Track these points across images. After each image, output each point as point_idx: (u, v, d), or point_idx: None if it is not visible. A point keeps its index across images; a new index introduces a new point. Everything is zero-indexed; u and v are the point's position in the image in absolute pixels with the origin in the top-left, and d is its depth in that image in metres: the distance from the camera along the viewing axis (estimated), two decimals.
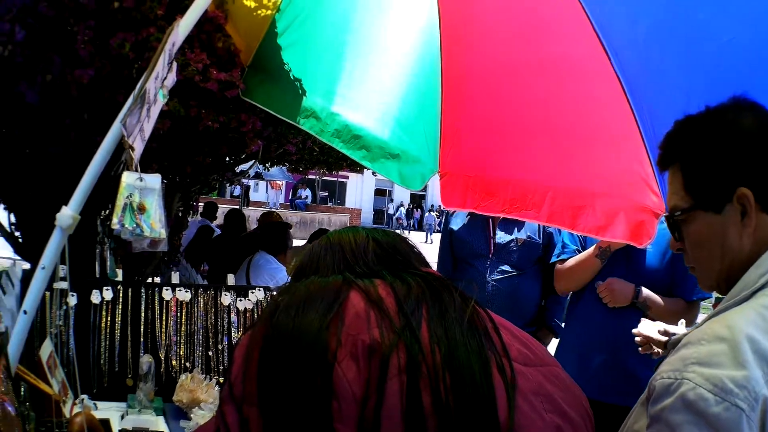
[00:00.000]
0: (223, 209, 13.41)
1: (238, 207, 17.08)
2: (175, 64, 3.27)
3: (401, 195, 58.57)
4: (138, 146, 2.90)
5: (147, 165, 5.14)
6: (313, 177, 49.95)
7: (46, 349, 3.40)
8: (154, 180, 2.89)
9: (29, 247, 5.11)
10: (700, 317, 3.50)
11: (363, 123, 4.80)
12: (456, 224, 6.23)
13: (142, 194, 2.83)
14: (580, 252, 5.02)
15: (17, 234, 6.03)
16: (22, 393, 3.09)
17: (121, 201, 2.80)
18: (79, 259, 4.52)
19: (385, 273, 1.72)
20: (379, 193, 60.78)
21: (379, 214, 62.46)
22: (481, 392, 1.47)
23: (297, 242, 10.06)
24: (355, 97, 4.90)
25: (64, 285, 3.87)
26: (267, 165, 11.03)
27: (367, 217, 57.52)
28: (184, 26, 3.20)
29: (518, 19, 4.22)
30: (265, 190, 49.65)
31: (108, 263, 4.08)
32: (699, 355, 1.64)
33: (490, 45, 4.45)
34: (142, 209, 2.80)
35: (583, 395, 1.80)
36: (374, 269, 1.76)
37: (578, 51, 3.91)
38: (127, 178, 2.84)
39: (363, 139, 4.77)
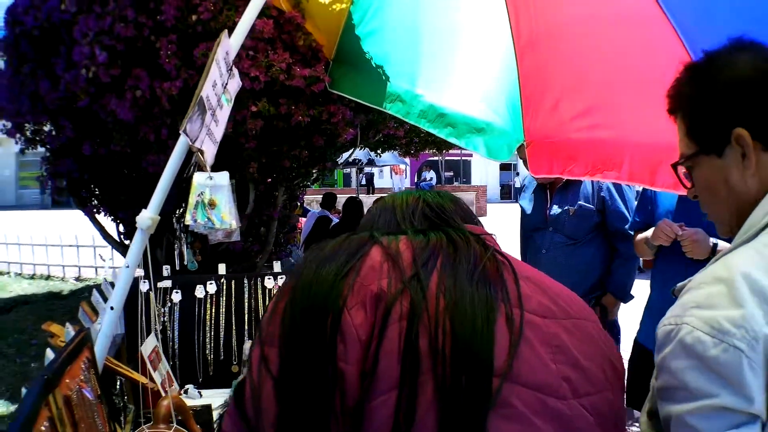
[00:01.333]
0: (343, 199, 13.54)
1: (355, 195, 17.13)
2: (235, 70, 3.43)
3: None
4: (209, 148, 3.09)
5: (246, 164, 5.38)
6: (437, 158, 49.95)
7: (149, 344, 3.64)
8: (223, 177, 3.12)
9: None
10: None
11: (446, 101, 4.87)
12: (523, 198, 6.40)
13: (213, 191, 3.06)
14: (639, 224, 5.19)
15: (127, 242, 6.34)
16: (118, 386, 3.34)
17: (193, 199, 3.06)
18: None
19: (410, 230, 1.81)
20: (505, 167, 59.78)
21: (505, 188, 61.91)
22: (479, 338, 1.51)
23: None
24: (435, 77, 4.99)
25: (167, 283, 4.09)
26: (378, 151, 11.19)
27: (493, 193, 56.93)
28: (238, 33, 3.36)
29: None
30: (390, 176, 49.62)
31: (186, 256, 4.26)
32: (698, 298, 1.60)
33: (555, 6, 4.49)
34: (212, 205, 3.04)
35: (615, 352, 1.79)
36: (417, 228, 1.89)
37: (633, 3, 3.97)
38: (198, 178, 3.09)
39: (448, 117, 4.85)
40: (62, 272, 17.43)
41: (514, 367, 1.52)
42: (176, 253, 5.01)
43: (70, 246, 17.22)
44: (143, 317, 3.78)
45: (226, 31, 3.24)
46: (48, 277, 17.34)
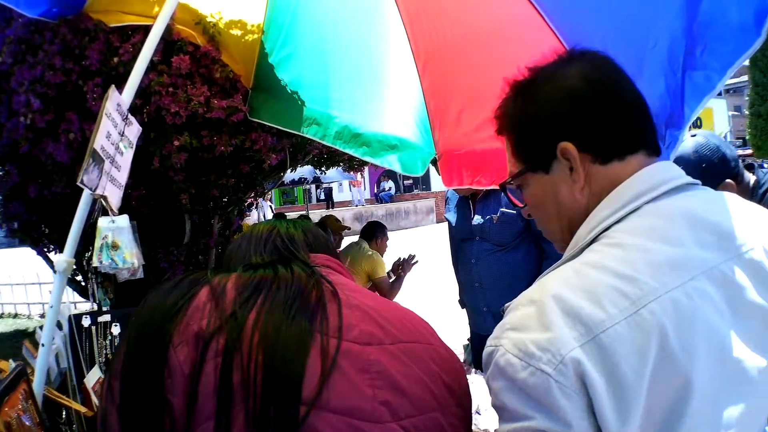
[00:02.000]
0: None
1: (305, 213, 17.37)
2: (132, 118, 3.61)
3: None
4: (113, 193, 3.31)
5: (175, 197, 5.53)
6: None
7: (93, 376, 3.85)
8: (124, 220, 3.34)
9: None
10: None
11: (359, 121, 5.05)
12: (448, 211, 6.52)
13: (115, 233, 3.29)
14: None
15: (78, 278, 6.49)
16: (65, 415, 3.65)
17: (98, 242, 3.28)
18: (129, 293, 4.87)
19: (241, 268, 1.97)
20: None
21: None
22: (288, 370, 1.64)
23: (390, 233, 10.34)
24: (347, 99, 5.17)
25: (107, 317, 4.27)
26: (322, 168, 11.38)
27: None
28: (133, 77, 3.55)
29: None
30: (349, 189, 49.83)
31: (97, 294, 4.46)
32: (513, 319, 1.59)
33: (446, 22, 4.65)
34: (115, 246, 3.26)
35: (454, 372, 1.89)
36: (265, 259, 2.10)
37: (519, 13, 4.08)
38: (102, 222, 3.30)
39: (362, 136, 5.02)
40: (28, 310, 17.51)
41: (324, 395, 1.64)
42: (89, 292, 5.17)
43: (33, 284, 17.23)
44: (86, 351, 3.98)
45: (113, 86, 3.42)
46: (15, 316, 17.42)
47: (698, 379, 1.51)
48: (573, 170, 1.82)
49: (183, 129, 4.98)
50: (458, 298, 6.66)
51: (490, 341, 1.61)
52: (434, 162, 5.31)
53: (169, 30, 4.65)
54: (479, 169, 4.98)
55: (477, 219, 6.00)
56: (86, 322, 4.23)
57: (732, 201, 1.87)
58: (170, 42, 4.88)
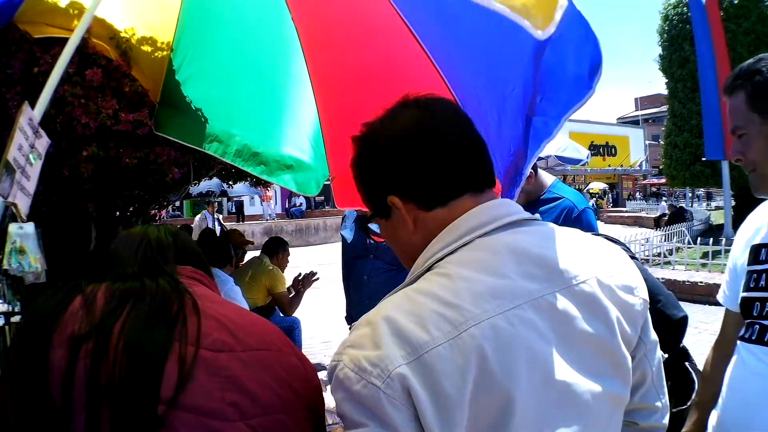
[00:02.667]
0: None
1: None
2: (42, 131, 3.81)
3: None
4: (22, 201, 3.55)
5: (83, 205, 5.69)
6: None
7: None
8: (30, 227, 3.57)
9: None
10: None
11: (258, 140, 5.22)
12: (344, 228, 6.71)
13: (23, 239, 3.51)
14: None
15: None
16: None
17: (8, 246, 3.50)
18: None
19: (110, 278, 2.15)
20: None
21: None
22: (148, 373, 1.84)
23: (291, 250, 10.50)
24: (248, 118, 5.36)
25: (18, 318, 4.47)
26: (230, 182, 11.52)
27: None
28: (46, 91, 3.75)
29: (354, 23, 4.66)
30: (260, 204, 49.66)
31: (7, 295, 4.66)
32: (352, 338, 1.74)
33: (344, 50, 4.89)
34: (22, 251, 3.46)
35: (301, 377, 2.09)
36: (135, 269, 2.24)
37: (409, 52, 4.28)
38: (11, 228, 3.53)
39: (261, 155, 5.18)
40: None
41: (181, 397, 1.84)
42: (0, 293, 5.33)
43: None
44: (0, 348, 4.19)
45: (26, 102, 3.62)
46: None
47: (520, 398, 1.67)
48: (402, 218, 2.00)
49: (92, 140, 5.13)
50: (345, 314, 6.82)
51: (333, 357, 1.75)
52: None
53: (84, 43, 4.77)
54: None
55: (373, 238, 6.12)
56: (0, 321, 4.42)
57: (566, 235, 2.04)
58: (85, 55, 4.99)
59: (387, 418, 1.60)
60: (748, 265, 3.09)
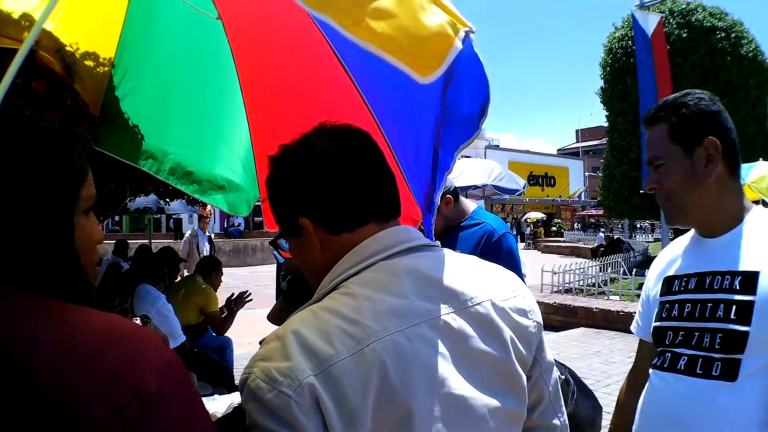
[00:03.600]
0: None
1: (146, 242, 17.29)
2: None
3: None
4: None
5: None
6: None
7: None
8: None
9: None
10: None
11: (192, 159, 5.33)
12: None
13: None
14: None
15: None
16: None
17: None
18: None
19: None
20: None
21: None
22: None
23: (229, 270, 10.54)
24: (182, 136, 5.46)
25: None
26: (167, 199, 11.54)
27: None
28: None
29: (287, 49, 4.73)
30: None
31: None
32: (262, 351, 1.80)
33: (275, 74, 5.02)
34: None
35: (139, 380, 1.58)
36: None
37: (336, 78, 4.36)
38: None
39: (194, 174, 5.30)
40: None
41: None
42: None
43: None
44: None
45: None
46: None
47: (419, 410, 1.78)
48: (310, 241, 2.09)
49: None
50: None
51: (244, 370, 1.80)
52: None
53: (32, 54, 4.81)
54: None
55: None
56: None
57: (463, 261, 2.19)
58: (32, 66, 4.94)
59: (298, 425, 1.68)
60: (661, 296, 3.25)
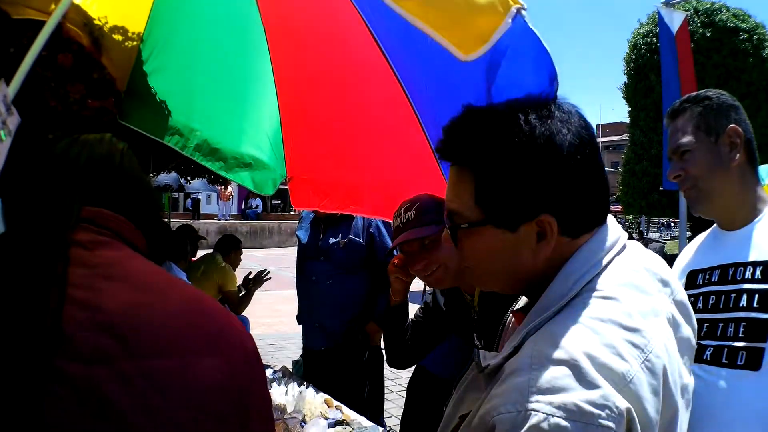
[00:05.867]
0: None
1: (165, 221, 17.24)
2: (14, 109, 3.86)
3: None
4: None
5: None
6: None
7: None
8: None
9: None
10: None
11: (219, 136, 5.32)
12: (300, 229, 6.85)
13: None
14: None
15: None
16: None
17: None
18: None
19: None
20: None
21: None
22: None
23: (245, 252, 10.50)
24: (210, 113, 5.43)
25: None
26: (188, 177, 11.52)
27: None
28: (20, 72, 3.81)
29: (322, 27, 4.71)
30: (216, 203, 49.27)
31: None
32: (537, 382, 1.52)
33: (312, 54, 4.99)
34: None
35: (219, 391, 1.56)
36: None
37: (370, 58, 4.33)
38: None
39: (220, 151, 5.29)
40: None
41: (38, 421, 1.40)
42: None
43: None
44: None
45: (2, 78, 3.66)
46: None
47: (679, 408, 1.72)
48: (544, 239, 1.79)
49: (57, 123, 5.16)
50: (296, 314, 6.95)
51: (503, 407, 1.54)
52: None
53: (59, 27, 4.68)
54: (325, 194, 5.33)
55: (326, 240, 6.32)
56: None
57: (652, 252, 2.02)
58: (58, 39, 4.89)
59: None
60: (686, 290, 3.22)
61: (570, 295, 1.74)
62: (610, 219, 1.93)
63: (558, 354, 1.56)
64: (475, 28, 3.03)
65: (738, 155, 3.07)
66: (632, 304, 1.71)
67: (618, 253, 1.85)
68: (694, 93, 3.26)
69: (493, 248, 1.85)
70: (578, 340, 1.59)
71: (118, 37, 5.21)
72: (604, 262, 1.80)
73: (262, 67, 5.35)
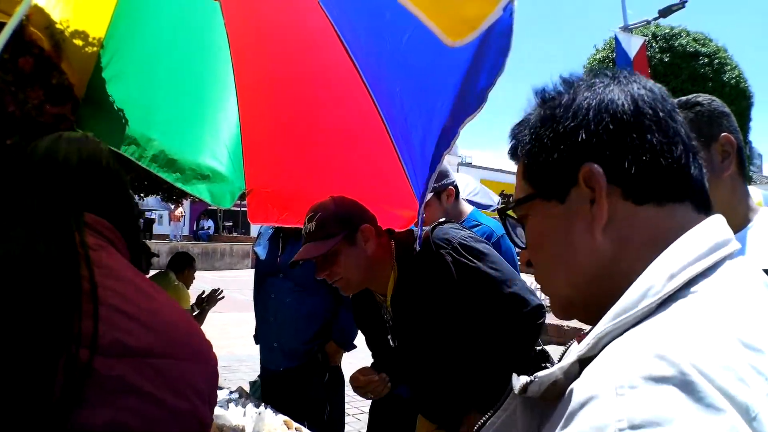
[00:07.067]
0: None
1: None
2: None
3: None
4: None
5: None
6: (215, 208, 50.01)
7: None
8: None
9: None
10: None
11: (177, 146, 5.19)
12: (258, 245, 6.65)
13: None
14: None
15: None
16: None
17: None
18: None
19: None
20: None
21: None
22: (32, 380, 1.51)
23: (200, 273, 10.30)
24: (168, 123, 5.31)
25: None
26: (141, 194, 11.36)
27: None
28: None
29: (287, 34, 4.61)
30: (168, 224, 49.21)
31: None
32: (631, 412, 1.05)
33: (272, 62, 4.87)
34: None
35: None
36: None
37: (337, 64, 4.24)
38: None
39: (177, 162, 5.15)
40: None
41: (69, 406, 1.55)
42: None
43: None
44: None
45: None
46: None
47: None
48: (594, 203, 1.42)
49: (16, 130, 5.04)
50: (254, 333, 6.76)
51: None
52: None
53: (22, 30, 4.65)
54: (285, 208, 5.17)
55: (284, 257, 6.12)
56: None
57: None
58: (20, 42, 4.80)
59: None
60: None
61: (666, 291, 1.25)
62: (720, 218, 1.45)
63: (657, 368, 1.08)
64: (466, 13, 2.98)
65: (731, 164, 3.01)
66: (753, 319, 1.23)
67: (729, 257, 1.37)
68: (684, 98, 3.14)
69: (546, 228, 1.53)
70: (685, 350, 1.11)
71: (78, 42, 5.11)
72: (714, 259, 1.32)
73: (224, 75, 5.26)
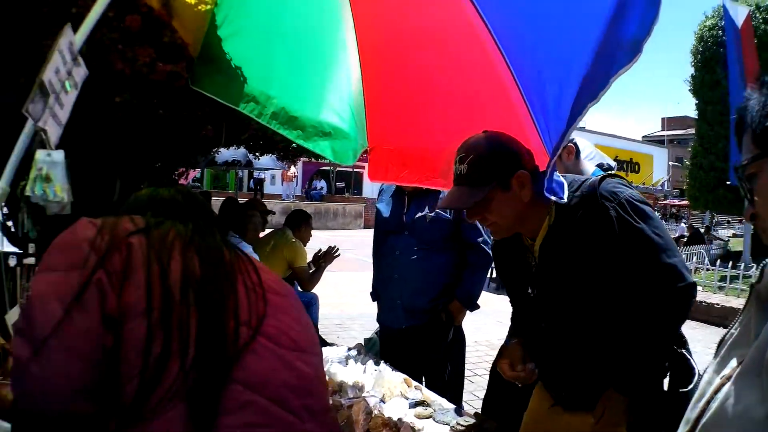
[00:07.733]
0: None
1: (233, 196, 17.15)
2: (81, 60, 3.63)
3: None
4: (53, 128, 3.37)
5: (107, 155, 5.53)
6: (328, 168, 50.28)
7: (14, 314, 3.90)
8: (59, 155, 3.39)
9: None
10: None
11: (297, 104, 5.07)
12: (380, 201, 6.56)
13: (50, 167, 3.33)
14: None
15: (9, 224, 6.46)
16: None
17: (33, 173, 3.31)
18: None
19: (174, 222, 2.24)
20: None
21: None
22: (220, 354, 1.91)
23: (314, 233, 10.26)
24: (288, 80, 5.19)
25: (32, 260, 4.28)
26: (256, 153, 11.33)
27: None
28: (86, 24, 3.57)
29: None
30: (281, 183, 49.55)
31: (26, 224, 4.49)
32: None
33: (395, 19, 4.73)
34: (48, 179, 3.28)
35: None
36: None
37: (463, 19, 4.07)
38: (39, 155, 3.34)
39: (298, 120, 5.04)
40: None
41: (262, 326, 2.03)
42: (19, 221, 5.20)
43: None
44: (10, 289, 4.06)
45: (69, 23, 3.43)
46: None
47: None
48: None
49: (125, 87, 4.98)
50: (371, 290, 6.70)
51: None
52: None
53: None
54: (405, 166, 5.08)
55: (411, 214, 6.05)
56: (12, 261, 4.28)
57: None
58: (126, 0, 4.77)
59: None
60: None
61: None
62: None
63: None
64: None
65: None
66: None
67: None
68: None
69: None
70: None
71: (190, 0, 4.94)
72: None
73: (344, 32, 5.11)
